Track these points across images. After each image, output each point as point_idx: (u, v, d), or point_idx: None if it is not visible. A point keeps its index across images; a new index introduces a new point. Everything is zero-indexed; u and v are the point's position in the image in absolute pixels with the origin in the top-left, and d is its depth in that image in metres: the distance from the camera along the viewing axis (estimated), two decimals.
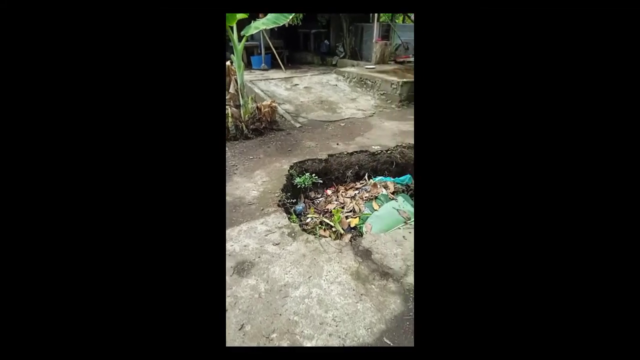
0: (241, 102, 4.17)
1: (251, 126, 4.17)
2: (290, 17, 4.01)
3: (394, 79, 5.85)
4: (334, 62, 10.22)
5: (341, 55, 10.29)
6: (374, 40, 9.83)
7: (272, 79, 6.69)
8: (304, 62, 11.10)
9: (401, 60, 8.67)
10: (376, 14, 11.98)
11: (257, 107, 4.29)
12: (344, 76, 6.98)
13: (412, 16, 11.62)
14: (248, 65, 9.97)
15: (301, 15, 8.92)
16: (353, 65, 9.56)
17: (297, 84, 6.48)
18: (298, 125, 4.73)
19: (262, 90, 5.95)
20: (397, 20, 10.97)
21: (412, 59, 8.80)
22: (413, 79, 5.48)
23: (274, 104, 4.34)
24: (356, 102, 5.86)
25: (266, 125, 4.34)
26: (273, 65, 9.76)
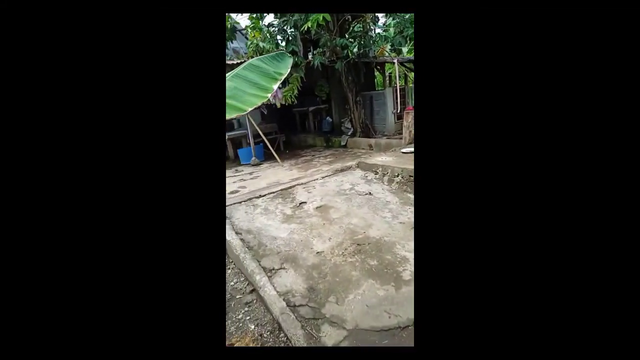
0: None
1: None
2: (270, 95, 1.17)
3: None
4: (343, 143, 7.57)
5: (349, 133, 7.70)
6: (391, 110, 7.28)
7: (261, 196, 3.75)
8: (304, 146, 8.51)
9: None
10: (389, 79, 9.74)
11: None
12: (375, 172, 4.08)
13: None
14: (235, 161, 7.34)
15: (295, 91, 6.44)
16: (371, 147, 6.82)
17: (303, 202, 3.50)
18: None
19: (240, 232, 2.93)
20: (409, 84, 8.64)
21: None
22: None
23: None
24: None
25: None
26: (267, 156, 7.08)
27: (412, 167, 3.65)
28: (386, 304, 1.99)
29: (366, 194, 3.60)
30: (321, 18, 5.22)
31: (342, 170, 4.36)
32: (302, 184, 3.98)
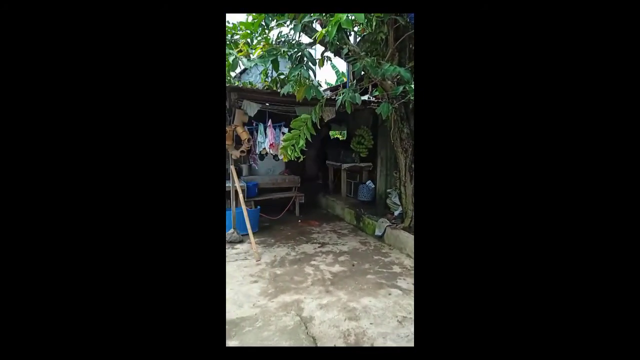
0: None
1: None
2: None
3: None
4: (378, 233, 4.40)
5: (396, 214, 4.54)
6: None
7: None
8: (329, 216, 5.61)
9: None
10: None
11: None
12: None
13: None
14: None
15: (301, 143, 3.58)
16: None
17: None
18: None
19: None
20: None
21: None
22: None
23: None
24: None
25: None
26: (269, 223, 4.32)
27: None
28: None
29: None
30: (344, 19, 2.43)
31: None
32: None
